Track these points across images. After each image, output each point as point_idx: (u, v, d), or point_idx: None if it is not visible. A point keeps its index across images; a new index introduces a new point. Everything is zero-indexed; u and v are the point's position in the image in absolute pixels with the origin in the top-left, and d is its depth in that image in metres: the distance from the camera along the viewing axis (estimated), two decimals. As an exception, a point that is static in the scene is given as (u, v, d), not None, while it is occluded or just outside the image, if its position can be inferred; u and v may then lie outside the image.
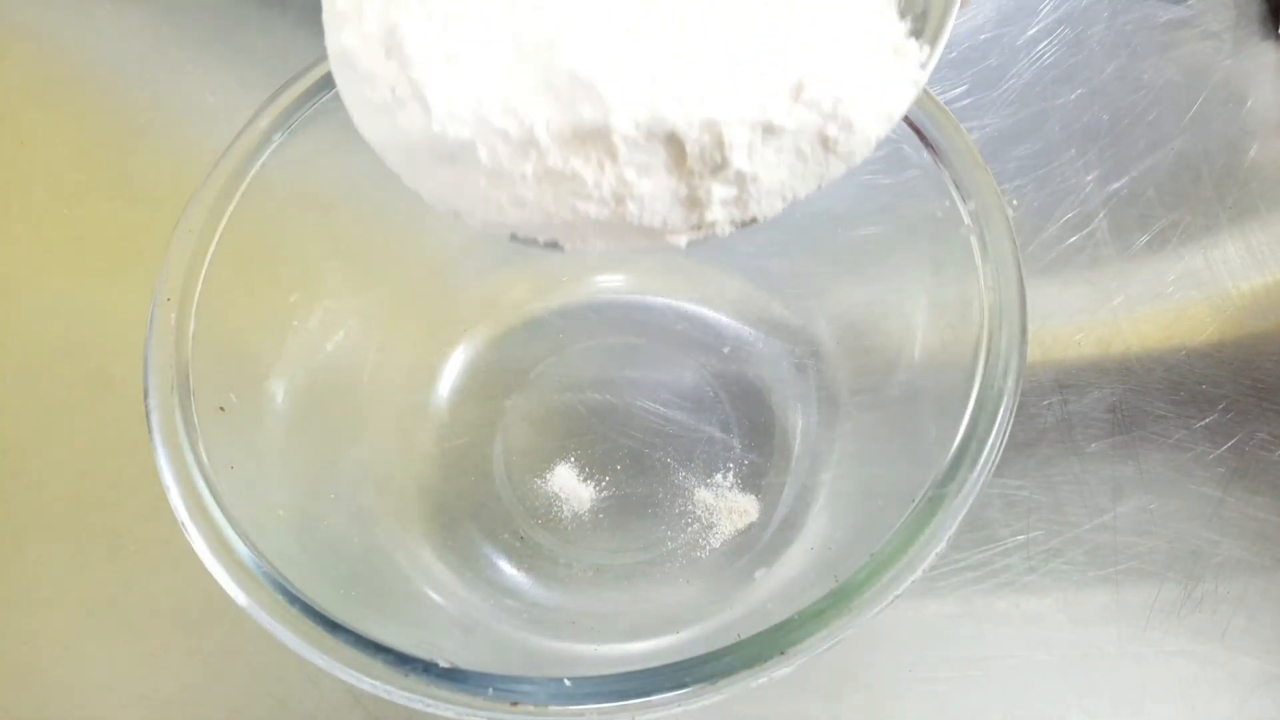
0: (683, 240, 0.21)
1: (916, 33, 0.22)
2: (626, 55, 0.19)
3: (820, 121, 0.20)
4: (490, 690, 0.23)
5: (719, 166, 0.20)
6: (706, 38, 0.20)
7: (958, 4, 0.22)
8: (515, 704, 0.22)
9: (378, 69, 0.21)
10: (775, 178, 0.21)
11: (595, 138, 0.19)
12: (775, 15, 0.20)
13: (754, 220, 0.21)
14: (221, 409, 0.27)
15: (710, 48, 0.20)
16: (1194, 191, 0.42)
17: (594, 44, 0.19)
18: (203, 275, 0.28)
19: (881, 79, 0.21)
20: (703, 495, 0.36)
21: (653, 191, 0.20)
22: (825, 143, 0.21)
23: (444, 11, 0.20)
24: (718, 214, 0.21)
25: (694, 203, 0.20)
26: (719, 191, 0.20)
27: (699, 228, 0.21)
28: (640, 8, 0.20)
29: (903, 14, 0.22)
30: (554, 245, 0.22)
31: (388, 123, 0.21)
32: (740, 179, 0.20)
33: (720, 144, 0.19)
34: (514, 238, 0.22)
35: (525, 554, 0.35)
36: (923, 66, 0.21)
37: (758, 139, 0.20)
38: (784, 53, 0.20)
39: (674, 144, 0.20)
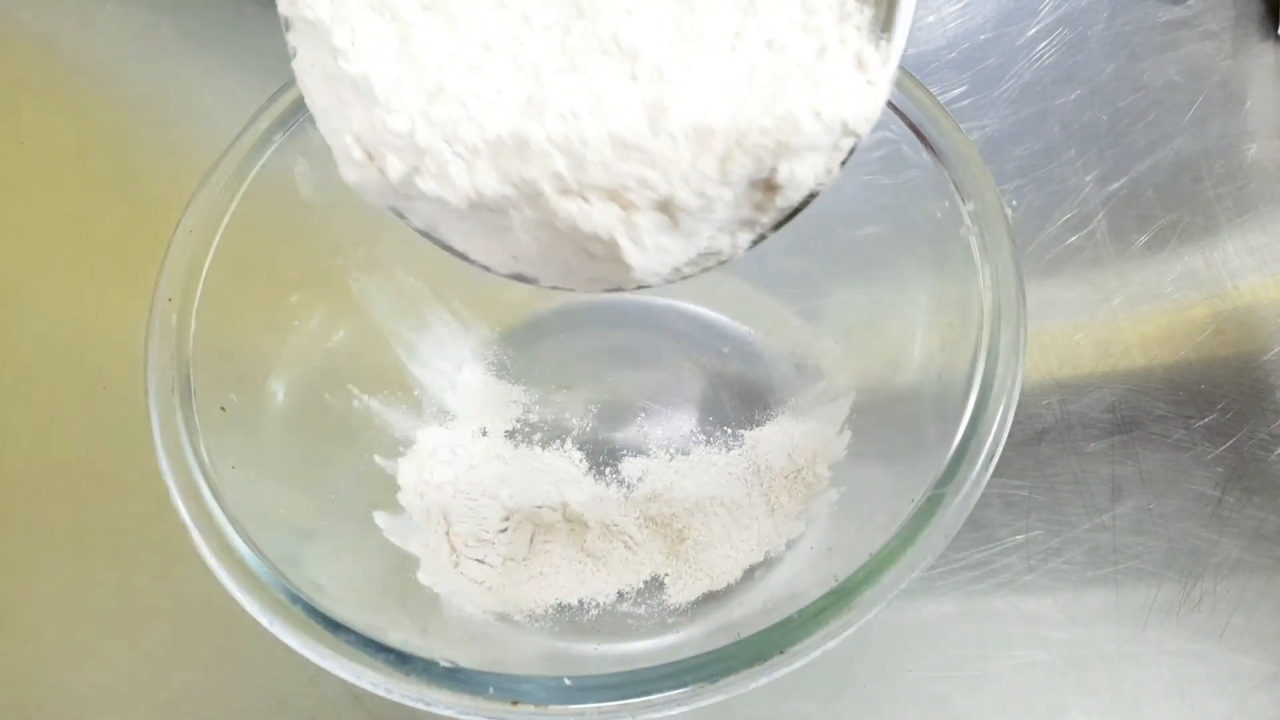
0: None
1: (876, 20, 0.22)
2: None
3: (823, 138, 0.21)
4: (490, 689, 0.23)
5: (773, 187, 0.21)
6: (684, 86, 0.20)
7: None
8: (516, 703, 0.22)
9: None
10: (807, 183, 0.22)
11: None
12: (740, 44, 0.21)
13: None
14: (222, 409, 0.27)
15: (690, 104, 0.20)
16: (1193, 192, 0.42)
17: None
18: (203, 275, 0.28)
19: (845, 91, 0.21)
20: (703, 495, 0.36)
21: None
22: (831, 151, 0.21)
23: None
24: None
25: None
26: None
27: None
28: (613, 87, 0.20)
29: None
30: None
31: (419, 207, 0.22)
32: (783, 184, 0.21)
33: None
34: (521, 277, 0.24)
35: (525, 554, 0.35)
36: (885, 63, 0.21)
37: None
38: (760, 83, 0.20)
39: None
